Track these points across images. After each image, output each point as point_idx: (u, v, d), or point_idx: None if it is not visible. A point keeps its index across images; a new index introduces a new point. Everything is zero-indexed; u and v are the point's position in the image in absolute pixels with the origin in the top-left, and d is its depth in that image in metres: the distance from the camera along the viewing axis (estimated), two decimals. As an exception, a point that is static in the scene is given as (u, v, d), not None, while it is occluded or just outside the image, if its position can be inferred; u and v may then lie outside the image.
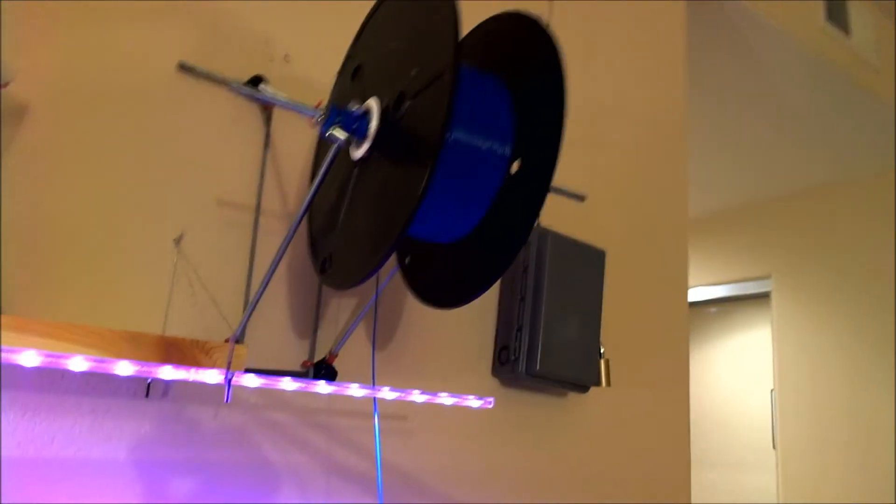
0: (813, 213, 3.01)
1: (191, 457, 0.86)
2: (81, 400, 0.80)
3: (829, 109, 2.30)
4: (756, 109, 2.34)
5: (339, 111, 0.68)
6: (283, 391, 0.92)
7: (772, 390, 3.03)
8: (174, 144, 0.91)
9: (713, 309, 3.52)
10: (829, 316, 2.87)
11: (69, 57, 0.84)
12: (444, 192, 0.70)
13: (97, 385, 0.80)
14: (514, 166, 0.71)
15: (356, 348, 1.02)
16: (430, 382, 1.09)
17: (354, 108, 0.68)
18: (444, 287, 0.79)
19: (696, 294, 3.44)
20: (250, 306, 0.84)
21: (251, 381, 0.70)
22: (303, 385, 0.71)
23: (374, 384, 0.73)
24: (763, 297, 3.17)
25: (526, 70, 0.71)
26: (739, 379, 3.33)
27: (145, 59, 0.90)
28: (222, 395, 0.88)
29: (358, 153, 0.70)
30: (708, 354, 3.51)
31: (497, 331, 1.20)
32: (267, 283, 0.80)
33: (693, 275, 3.40)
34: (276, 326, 0.96)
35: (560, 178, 1.34)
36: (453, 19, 0.60)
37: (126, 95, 0.88)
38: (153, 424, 0.84)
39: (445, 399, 0.79)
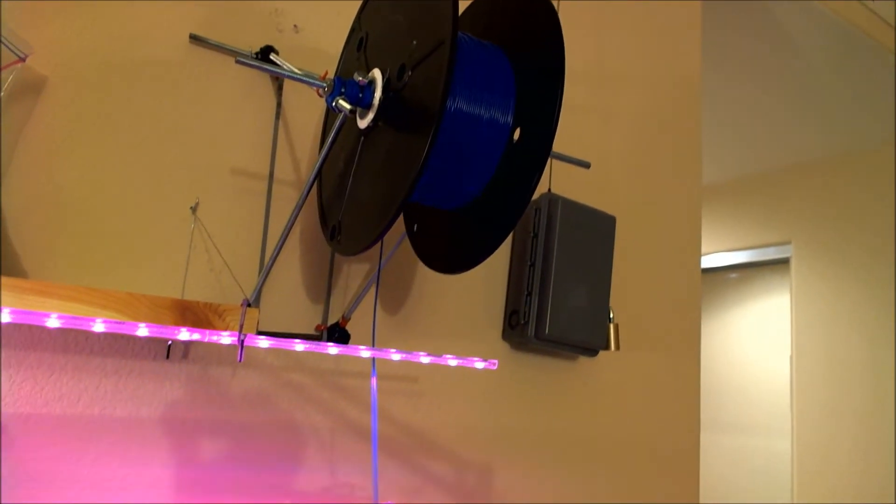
0: (833, 180, 2.98)
1: (211, 415, 0.90)
2: (105, 361, 0.84)
3: (852, 76, 2.26)
4: (778, 75, 2.31)
5: (343, 82, 0.69)
6: (301, 354, 0.96)
7: (791, 356, 3.04)
8: (188, 115, 0.93)
9: (733, 274, 3.51)
10: (847, 284, 2.85)
11: (82, 30, 0.86)
12: (448, 161, 0.72)
13: (120, 347, 0.84)
14: (516, 134, 0.73)
15: (369, 313, 1.05)
16: (441, 345, 1.12)
17: (359, 78, 0.70)
18: (449, 253, 0.81)
19: (716, 259, 3.43)
20: (264, 271, 0.87)
21: (262, 342, 0.73)
22: (312, 346, 0.74)
23: (373, 345, 0.76)
24: (783, 264, 3.16)
25: (527, 39, 0.73)
26: (759, 344, 3.34)
27: (157, 31, 0.92)
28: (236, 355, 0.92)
29: (363, 123, 0.72)
30: (728, 320, 3.51)
31: (507, 296, 1.23)
32: (280, 249, 0.83)
33: (713, 240, 3.41)
34: (291, 291, 0.99)
35: (573, 144, 1.36)
36: (452, -10, 0.61)
37: (139, 67, 0.90)
38: (174, 384, 0.88)
39: (450, 360, 0.81)
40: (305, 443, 0.97)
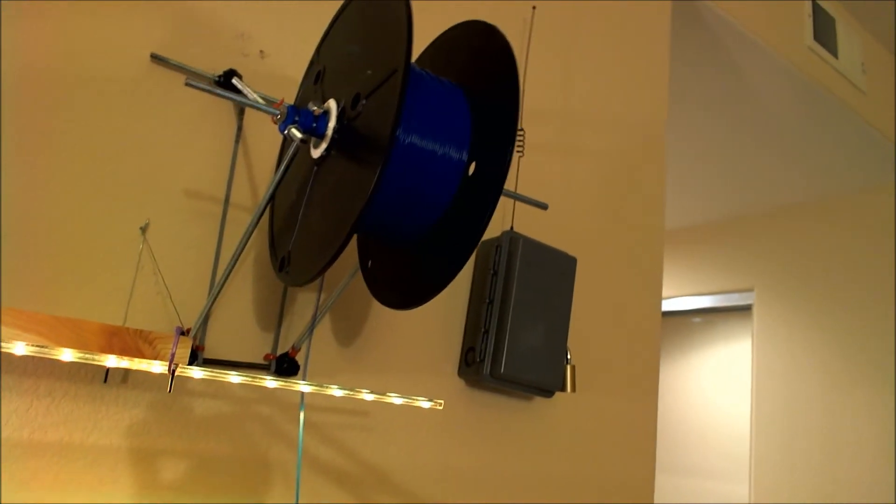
0: (796, 229, 3.03)
1: (147, 443, 0.87)
2: (39, 382, 0.80)
3: (814, 127, 2.32)
4: (743, 124, 2.36)
5: (297, 111, 0.69)
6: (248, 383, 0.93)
7: (751, 402, 3.06)
8: (144, 133, 0.92)
9: (697, 319, 3.54)
10: (808, 331, 2.89)
11: (41, 42, 0.85)
12: (401, 194, 0.71)
13: (55, 368, 0.81)
14: (471, 169, 0.72)
15: (324, 344, 1.03)
16: (395, 380, 1.11)
17: (313, 108, 0.69)
18: (401, 289, 0.80)
19: (680, 303, 3.46)
20: (211, 297, 0.85)
21: (194, 372, 0.71)
22: (248, 379, 0.72)
23: (304, 377, 0.74)
24: (745, 310, 3.19)
25: (484, 76, 0.73)
26: (720, 389, 3.36)
27: (118, 48, 0.91)
28: (181, 383, 0.89)
29: (316, 153, 0.71)
30: (690, 363, 3.53)
31: (465, 332, 1.21)
32: (228, 275, 0.81)
33: (678, 284, 3.44)
34: (241, 319, 0.97)
35: (538, 184, 1.36)
36: (407, 20, 0.61)
37: (97, 83, 0.89)
38: (110, 410, 0.85)
39: (395, 399, 0.79)
40: (250, 476, 0.94)
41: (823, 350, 2.82)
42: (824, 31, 2.10)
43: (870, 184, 2.74)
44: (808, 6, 2.09)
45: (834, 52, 2.12)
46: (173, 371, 0.62)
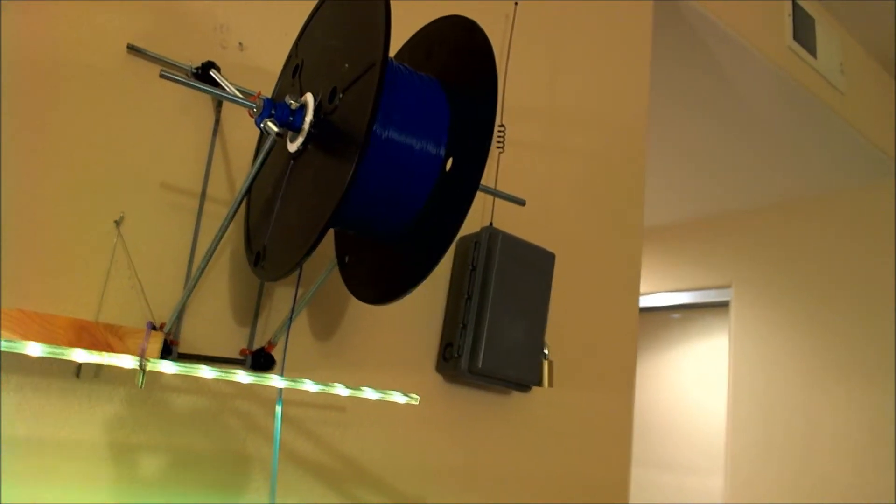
0: (774, 226, 3.07)
1: (121, 438, 0.86)
2: (9, 377, 0.79)
3: (793, 126, 2.34)
4: (723, 122, 2.37)
5: (273, 104, 0.68)
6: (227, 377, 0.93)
7: (727, 396, 3.09)
8: (120, 125, 0.90)
9: (676, 314, 3.57)
10: (785, 327, 2.92)
11: (14, 29, 0.83)
12: (378, 189, 0.71)
13: (26, 363, 0.80)
14: (448, 164, 0.72)
15: (301, 339, 1.03)
16: (372, 375, 1.10)
17: (290, 101, 0.69)
18: (377, 284, 0.80)
19: (659, 299, 3.49)
20: (186, 291, 0.84)
21: (166, 367, 0.70)
22: (220, 374, 0.71)
23: (282, 373, 0.74)
24: (723, 306, 3.22)
25: (463, 71, 0.72)
26: (699, 384, 3.39)
27: (94, 38, 0.89)
28: (156, 378, 0.89)
29: (293, 147, 0.71)
30: (669, 358, 3.56)
31: (443, 328, 1.21)
32: (203, 269, 0.81)
33: (658, 280, 3.46)
34: (218, 313, 0.96)
35: (518, 180, 1.36)
36: (385, 14, 0.60)
37: (72, 73, 0.87)
38: (83, 404, 0.84)
39: (369, 394, 0.79)
40: (226, 471, 0.93)
41: (799, 346, 2.85)
42: (804, 31, 2.11)
43: (847, 183, 2.78)
44: (788, 6, 2.10)
45: (813, 53, 2.14)
46: (144, 367, 0.62)
